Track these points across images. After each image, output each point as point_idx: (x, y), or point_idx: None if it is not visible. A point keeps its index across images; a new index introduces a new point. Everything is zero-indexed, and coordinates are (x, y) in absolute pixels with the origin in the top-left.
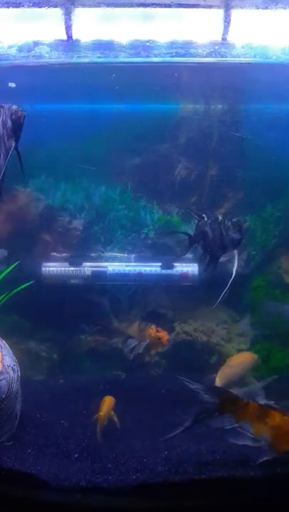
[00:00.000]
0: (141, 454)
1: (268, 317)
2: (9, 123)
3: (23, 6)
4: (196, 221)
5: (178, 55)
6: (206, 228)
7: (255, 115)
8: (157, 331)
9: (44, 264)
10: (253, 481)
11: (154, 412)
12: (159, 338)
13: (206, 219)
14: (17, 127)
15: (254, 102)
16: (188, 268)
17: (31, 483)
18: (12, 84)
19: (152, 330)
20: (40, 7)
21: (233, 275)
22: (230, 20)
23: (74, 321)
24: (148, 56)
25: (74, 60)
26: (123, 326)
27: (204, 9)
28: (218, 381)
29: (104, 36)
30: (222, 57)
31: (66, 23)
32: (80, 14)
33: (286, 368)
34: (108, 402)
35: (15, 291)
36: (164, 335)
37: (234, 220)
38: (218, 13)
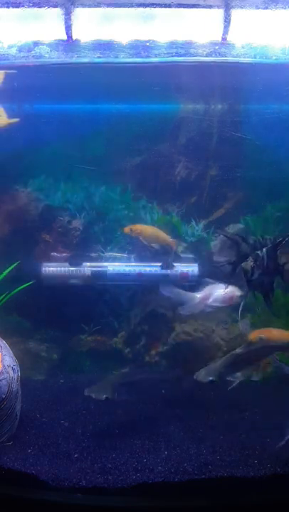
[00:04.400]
0: (141, 454)
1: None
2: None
3: (23, 6)
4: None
5: (178, 55)
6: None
7: (255, 115)
8: None
9: (44, 264)
10: (253, 481)
11: (153, 411)
12: None
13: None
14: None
15: (254, 102)
16: (188, 268)
17: (31, 483)
18: None
19: None
20: (40, 7)
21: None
22: (230, 20)
23: (74, 321)
24: (148, 56)
25: (74, 60)
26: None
27: (204, 9)
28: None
29: (104, 36)
30: (222, 57)
31: (66, 23)
32: (80, 14)
33: None
34: None
35: (15, 291)
36: None
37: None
38: (218, 13)
